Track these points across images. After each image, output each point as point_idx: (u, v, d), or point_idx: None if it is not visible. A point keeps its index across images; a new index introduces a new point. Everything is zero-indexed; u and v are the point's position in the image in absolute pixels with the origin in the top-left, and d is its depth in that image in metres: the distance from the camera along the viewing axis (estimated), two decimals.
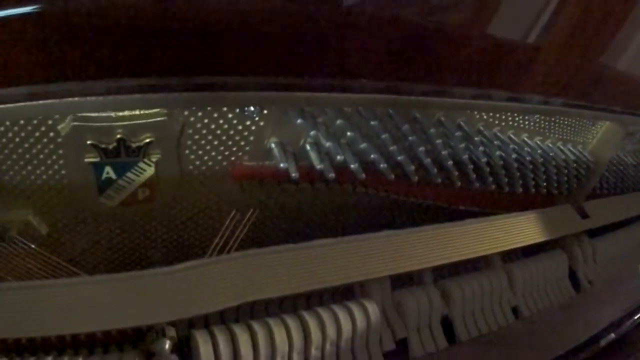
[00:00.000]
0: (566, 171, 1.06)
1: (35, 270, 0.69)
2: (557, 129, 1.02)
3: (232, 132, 0.68)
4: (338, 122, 0.69)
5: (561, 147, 1.04)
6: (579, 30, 0.76)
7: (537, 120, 0.97)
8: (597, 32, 0.79)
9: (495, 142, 0.88)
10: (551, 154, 1.00)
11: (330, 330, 0.69)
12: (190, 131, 0.65)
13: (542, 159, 0.98)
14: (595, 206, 1.13)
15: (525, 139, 0.96)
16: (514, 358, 0.79)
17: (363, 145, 0.72)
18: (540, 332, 0.86)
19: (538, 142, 0.99)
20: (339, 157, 0.70)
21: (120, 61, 0.49)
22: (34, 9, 0.44)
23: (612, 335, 1.03)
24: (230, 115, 0.66)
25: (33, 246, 0.68)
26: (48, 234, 0.68)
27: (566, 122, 1.03)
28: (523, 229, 0.93)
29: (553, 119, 0.99)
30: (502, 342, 0.81)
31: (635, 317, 1.10)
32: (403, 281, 0.82)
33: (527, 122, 0.96)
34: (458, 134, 0.82)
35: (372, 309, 0.73)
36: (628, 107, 1.02)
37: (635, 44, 0.87)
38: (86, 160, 0.61)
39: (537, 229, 0.96)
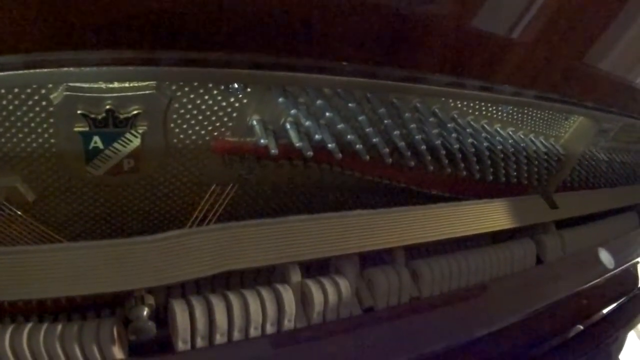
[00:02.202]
0: (537, 162, 1.11)
1: (20, 237, 0.73)
2: (529, 121, 1.08)
3: (216, 108, 0.72)
4: (318, 102, 0.74)
5: (533, 139, 1.10)
6: (552, 24, 0.80)
7: (510, 111, 1.02)
8: (570, 28, 0.84)
9: (468, 130, 0.93)
10: (522, 145, 1.06)
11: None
12: (177, 105, 0.69)
13: (513, 149, 1.03)
14: (566, 198, 1.19)
15: (498, 129, 1.02)
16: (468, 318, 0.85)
17: (341, 126, 0.77)
18: (494, 296, 0.93)
19: (510, 132, 1.04)
20: (317, 137, 0.75)
21: (116, 32, 0.52)
22: None
23: (580, 326, 1.10)
24: (215, 92, 0.70)
25: (19, 213, 0.72)
26: (34, 201, 0.72)
27: (539, 115, 1.09)
28: (492, 215, 0.99)
29: (526, 110, 1.05)
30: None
31: (603, 311, 1.18)
32: (375, 260, 0.88)
33: (500, 113, 1.01)
34: (432, 120, 0.87)
35: (344, 284, 0.79)
36: (601, 103, 1.08)
37: (609, 41, 0.93)
38: (75, 129, 0.65)
39: (506, 216, 1.01)
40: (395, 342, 0.76)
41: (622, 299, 1.22)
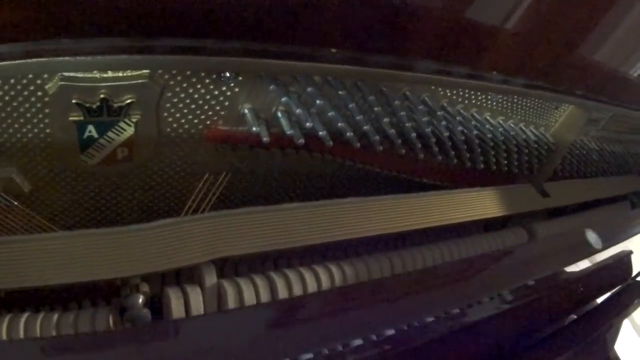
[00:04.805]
0: (527, 151, 1.14)
1: (16, 228, 0.75)
2: (519, 110, 1.11)
3: (208, 97, 0.74)
4: (308, 90, 0.77)
5: (523, 127, 1.13)
6: (540, 12, 0.83)
7: (500, 100, 1.05)
8: (558, 16, 0.86)
9: (458, 118, 0.96)
10: (512, 134, 1.09)
11: (297, 290, 0.76)
12: (170, 94, 0.71)
13: (503, 138, 1.06)
14: (557, 187, 1.22)
15: (488, 117, 1.04)
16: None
17: (331, 114, 0.79)
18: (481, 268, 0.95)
19: (500, 121, 1.07)
20: (308, 124, 0.78)
21: (109, 20, 0.55)
22: None
23: (573, 315, 1.13)
24: (207, 81, 0.72)
25: (16, 203, 0.74)
26: (30, 191, 0.74)
27: (529, 104, 1.12)
28: (483, 203, 1.02)
29: (515, 99, 1.08)
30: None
31: (597, 300, 1.20)
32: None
33: (489, 102, 1.04)
34: (421, 108, 0.90)
35: (337, 272, 0.81)
36: (589, 91, 1.10)
37: (597, 30, 0.95)
38: (70, 118, 0.67)
39: (497, 204, 1.04)
40: (380, 314, 0.78)
41: (616, 288, 1.25)
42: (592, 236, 1.06)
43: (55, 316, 0.65)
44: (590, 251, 1.05)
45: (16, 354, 0.55)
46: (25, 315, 0.64)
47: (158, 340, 0.61)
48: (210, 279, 0.72)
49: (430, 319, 0.87)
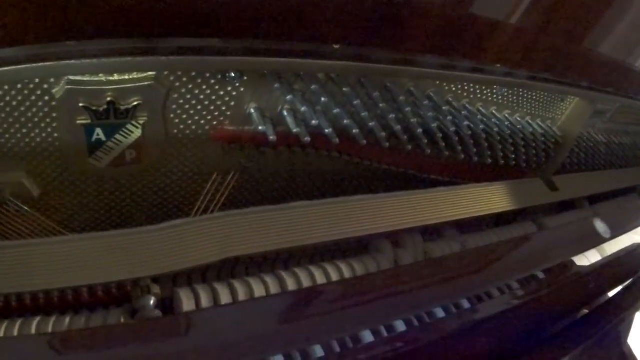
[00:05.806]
0: (534, 145, 1.14)
1: (26, 232, 0.75)
2: (525, 103, 1.11)
3: (214, 98, 0.75)
4: (313, 87, 0.78)
5: (529, 121, 1.13)
6: (541, 4, 0.83)
7: (505, 94, 1.05)
8: (559, 8, 0.86)
9: (463, 113, 0.96)
10: (519, 127, 1.08)
11: None
12: (175, 96, 0.72)
13: (509, 132, 1.06)
14: (565, 180, 1.22)
15: (494, 111, 1.05)
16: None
17: (336, 111, 0.80)
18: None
19: (506, 115, 1.07)
20: (313, 122, 0.78)
21: (113, 22, 0.55)
22: None
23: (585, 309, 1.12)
24: (212, 81, 0.73)
25: (26, 208, 0.74)
26: (40, 195, 0.75)
27: (534, 97, 1.12)
28: (491, 198, 1.02)
29: (521, 93, 1.08)
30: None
31: (609, 294, 1.19)
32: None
33: (495, 96, 1.04)
34: (427, 103, 0.90)
35: (347, 269, 0.82)
36: (593, 83, 1.10)
37: (600, 20, 0.95)
38: (78, 122, 0.68)
39: (506, 199, 1.04)
40: (390, 304, 0.78)
41: (628, 280, 1.24)
42: (600, 225, 1.06)
43: (67, 319, 0.66)
44: (599, 240, 1.05)
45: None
46: (37, 319, 0.65)
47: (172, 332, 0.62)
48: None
49: (443, 315, 0.87)
